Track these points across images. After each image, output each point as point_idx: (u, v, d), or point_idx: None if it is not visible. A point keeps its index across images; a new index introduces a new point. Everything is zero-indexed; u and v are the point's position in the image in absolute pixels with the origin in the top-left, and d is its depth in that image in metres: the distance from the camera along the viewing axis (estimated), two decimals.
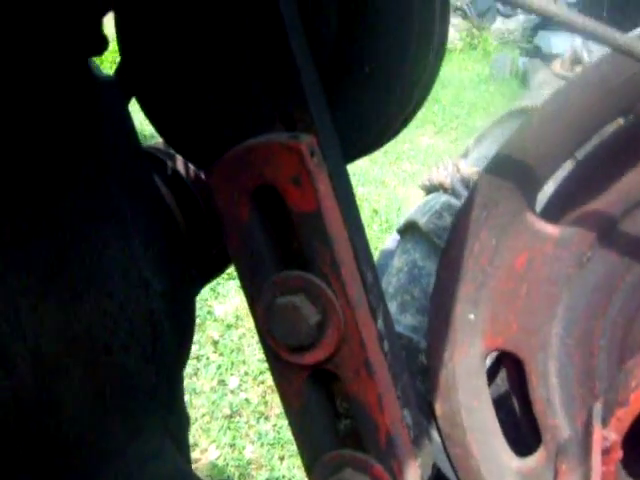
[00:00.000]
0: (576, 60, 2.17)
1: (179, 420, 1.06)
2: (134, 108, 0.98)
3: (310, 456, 0.87)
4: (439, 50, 0.96)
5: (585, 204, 0.92)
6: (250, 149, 0.81)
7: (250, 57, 0.83)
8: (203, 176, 1.15)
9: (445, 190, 1.68)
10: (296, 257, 0.84)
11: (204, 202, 1.16)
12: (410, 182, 5.81)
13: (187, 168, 1.18)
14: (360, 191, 5.50)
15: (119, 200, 0.90)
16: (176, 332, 0.99)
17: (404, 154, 6.83)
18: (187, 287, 1.03)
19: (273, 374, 0.85)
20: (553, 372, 0.97)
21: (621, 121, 0.94)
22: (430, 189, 1.75)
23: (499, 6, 14.27)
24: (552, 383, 0.97)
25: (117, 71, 1.04)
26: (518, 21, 12.62)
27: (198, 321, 3.67)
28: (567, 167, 0.95)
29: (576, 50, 2.20)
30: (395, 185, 5.94)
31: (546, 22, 9.94)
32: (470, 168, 1.61)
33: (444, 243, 1.48)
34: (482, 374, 1.00)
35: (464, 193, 1.57)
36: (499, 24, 13.55)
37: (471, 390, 0.98)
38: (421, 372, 1.53)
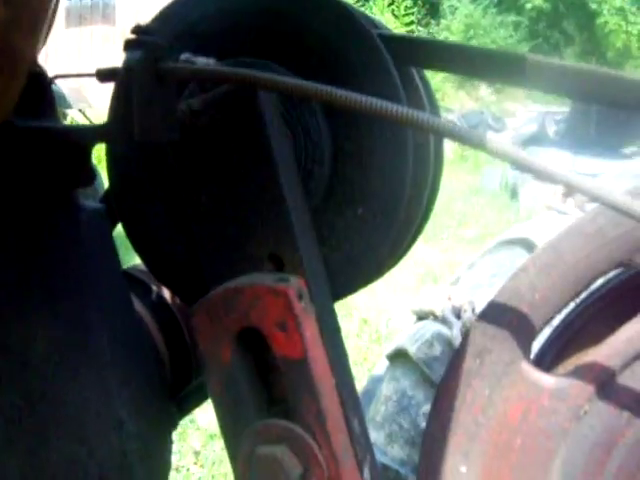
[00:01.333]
0: (568, 193, 2.20)
1: None
2: None
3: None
4: (433, 190, 0.95)
5: (582, 354, 0.89)
6: (236, 290, 0.78)
7: (240, 195, 0.81)
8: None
9: (436, 318, 1.66)
10: (280, 403, 0.80)
11: (189, 330, 1.12)
12: (400, 292, 5.78)
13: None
14: (350, 300, 5.46)
15: (98, 335, 0.86)
16: (149, 474, 0.93)
17: None
18: (164, 425, 0.98)
19: None
20: None
21: None
22: (421, 315, 1.73)
23: (490, 120, 14.74)
24: None
25: (104, 198, 1.03)
26: (508, 136, 13.02)
27: (179, 430, 3.53)
28: (563, 314, 0.93)
29: None
30: (385, 295, 5.91)
31: (536, 138, 10.23)
32: (461, 297, 1.59)
33: (434, 374, 1.43)
34: None
35: (455, 322, 1.55)
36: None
37: None
38: None
